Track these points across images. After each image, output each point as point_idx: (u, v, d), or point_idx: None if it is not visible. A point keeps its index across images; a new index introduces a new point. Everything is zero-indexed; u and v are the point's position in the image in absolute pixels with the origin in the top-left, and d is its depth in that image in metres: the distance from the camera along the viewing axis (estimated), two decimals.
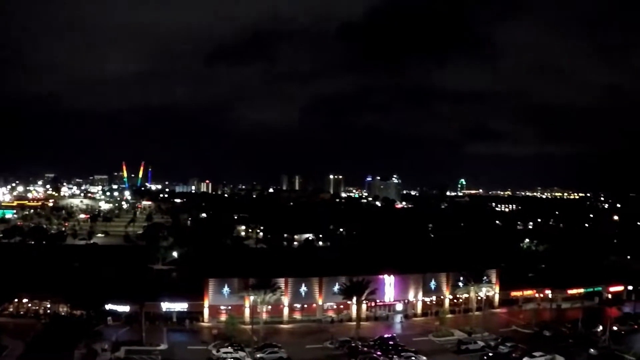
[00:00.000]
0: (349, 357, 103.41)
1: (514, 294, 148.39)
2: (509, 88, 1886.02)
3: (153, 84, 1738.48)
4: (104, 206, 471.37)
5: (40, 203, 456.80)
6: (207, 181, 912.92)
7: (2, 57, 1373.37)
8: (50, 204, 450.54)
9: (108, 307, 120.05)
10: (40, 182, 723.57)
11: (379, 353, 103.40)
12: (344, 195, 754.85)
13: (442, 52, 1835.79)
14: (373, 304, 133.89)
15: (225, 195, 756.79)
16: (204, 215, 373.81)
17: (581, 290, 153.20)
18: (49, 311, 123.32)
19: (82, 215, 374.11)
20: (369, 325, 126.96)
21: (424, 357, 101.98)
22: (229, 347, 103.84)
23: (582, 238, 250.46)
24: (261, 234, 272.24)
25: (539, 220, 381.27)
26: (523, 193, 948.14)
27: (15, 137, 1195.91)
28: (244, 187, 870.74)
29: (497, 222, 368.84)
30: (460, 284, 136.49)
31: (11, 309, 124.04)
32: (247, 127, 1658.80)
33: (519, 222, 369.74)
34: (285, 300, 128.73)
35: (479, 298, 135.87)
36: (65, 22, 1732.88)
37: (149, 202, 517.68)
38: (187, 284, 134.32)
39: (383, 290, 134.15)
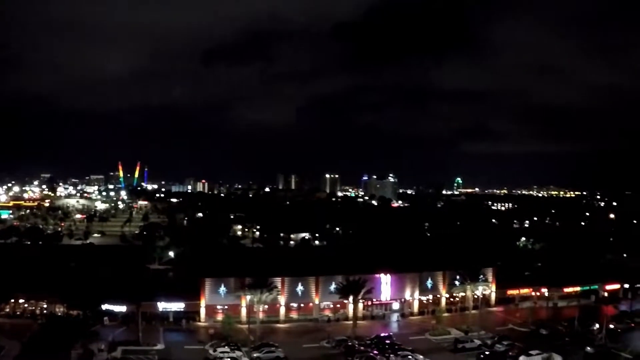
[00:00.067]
0: (346, 356, 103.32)
1: (510, 292, 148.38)
2: (505, 87, 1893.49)
3: (149, 84, 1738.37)
4: (100, 206, 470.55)
5: (36, 203, 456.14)
6: (203, 181, 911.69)
7: None
8: (47, 204, 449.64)
9: (105, 307, 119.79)
10: (36, 182, 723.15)
11: (375, 352, 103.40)
12: (340, 194, 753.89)
13: (439, 51, 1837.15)
14: (370, 303, 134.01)
15: (222, 194, 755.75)
16: (200, 214, 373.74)
17: (577, 289, 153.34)
18: (45, 311, 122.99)
19: (79, 216, 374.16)
20: (365, 324, 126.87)
21: (421, 356, 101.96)
22: (226, 347, 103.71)
23: (578, 236, 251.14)
24: (257, 233, 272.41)
25: (535, 218, 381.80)
26: (519, 192, 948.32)
27: (12, 137, 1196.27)
28: (240, 186, 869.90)
29: (494, 220, 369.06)
30: (457, 282, 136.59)
31: (7, 310, 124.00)
32: (244, 127, 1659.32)
33: (515, 221, 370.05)
34: (282, 299, 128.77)
35: (476, 297, 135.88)
36: (63, 21, 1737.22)
37: (145, 202, 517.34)
38: (184, 283, 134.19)
39: (379, 289, 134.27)
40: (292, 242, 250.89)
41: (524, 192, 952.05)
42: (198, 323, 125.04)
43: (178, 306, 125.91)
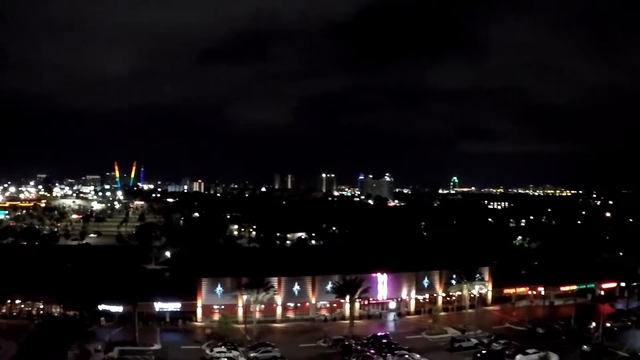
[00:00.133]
0: (343, 355, 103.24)
1: (506, 291, 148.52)
2: (502, 87, 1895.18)
3: (146, 84, 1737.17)
4: (97, 206, 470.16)
5: (32, 204, 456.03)
6: (200, 180, 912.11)
7: None
8: (43, 205, 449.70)
9: (101, 307, 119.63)
10: (32, 183, 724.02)
11: (372, 351, 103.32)
12: (336, 193, 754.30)
13: (434, 50, 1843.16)
14: (366, 302, 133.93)
15: (218, 194, 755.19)
16: (196, 214, 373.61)
17: (574, 287, 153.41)
18: (42, 312, 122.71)
19: (75, 216, 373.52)
20: (362, 324, 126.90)
21: (418, 355, 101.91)
22: (223, 347, 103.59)
23: (574, 235, 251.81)
24: (254, 233, 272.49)
25: (532, 217, 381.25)
26: (515, 190, 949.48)
27: (8, 137, 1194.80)
28: (236, 186, 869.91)
29: (490, 219, 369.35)
30: (453, 281, 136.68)
31: (4, 310, 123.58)
32: (240, 127, 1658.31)
33: (511, 220, 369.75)
34: (279, 299, 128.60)
35: (472, 296, 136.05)
36: (60, 21, 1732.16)
37: (142, 202, 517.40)
38: (180, 283, 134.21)
39: (376, 289, 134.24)
40: (288, 242, 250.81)
41: (520, 191, 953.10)
42: (195, 323, 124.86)
43: (175, 306, 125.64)
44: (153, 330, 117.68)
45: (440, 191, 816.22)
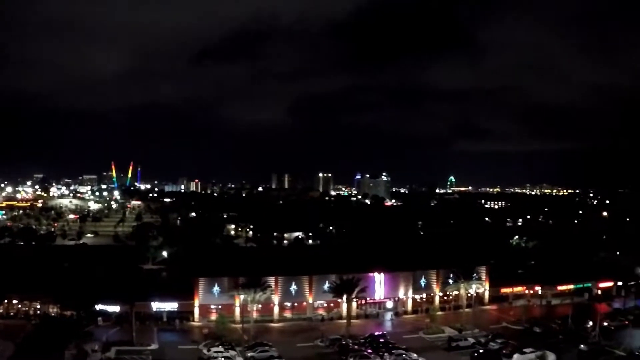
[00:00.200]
0: (340, 355, 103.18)
1: (504, 290, 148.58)
2: (500, 86, 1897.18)
3: (143, 84, 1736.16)
4: (93, 206, 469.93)
5: (29, 204, 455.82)
6: (196, 180, 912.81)
7: None
8: (39, 205, 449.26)
9: (98, 307, 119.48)
10: (29, 183, 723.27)
11: (369, 351, 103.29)
12: (333, 193, 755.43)
13: (434, 50, 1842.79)
14: (363, 301, 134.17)
15: (215, 194, 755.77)
16: (193, 214, 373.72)
17: (571, 287, 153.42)
18: (39, 312, 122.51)
19: (72, 216, 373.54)
20: (359, 323, 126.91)
21: (415, 355, 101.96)
22: (220, 347, 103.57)
23: (571, 234, 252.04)
24: (251, 232, 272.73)
25: (528, 217, 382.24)
26: (512, 190, 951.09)
27: (5, 137, 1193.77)
28: (233, 186, 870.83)
29: (487, 219, 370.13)
30: (450, 281, 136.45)
31: (1, 310, 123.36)
32: (237, 126, 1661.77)
33: (508, 219, 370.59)
34: (276, 298, 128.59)
35: (469, 295, 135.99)
36: (60, 21, 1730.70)
37: (138, 202, 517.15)
38: (177, 283, 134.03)
39: (373, 288, 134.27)
40: (285, 242, 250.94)
41: (517, 190, 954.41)
42: (192, 323, 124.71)
43: (172, 306, 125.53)
44: (150, 330, 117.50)
45: (437, 191, 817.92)
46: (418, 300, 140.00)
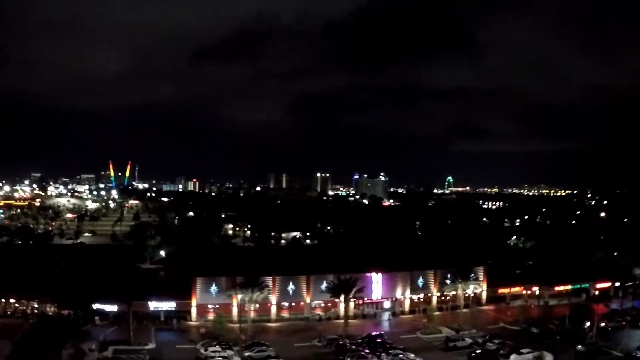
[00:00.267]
0: (337, 355, 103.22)
1: (501, 291, 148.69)
2: (499, 86, 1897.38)
3: (138, 84, 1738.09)
4: (91, 205, 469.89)
5: (27, 203, 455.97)
6: (194, 180, 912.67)
7: None
8: (37, 204, 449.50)
9: (96, 306, 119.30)
10: (26, 182, 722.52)
11: (367, 351, 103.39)
12: (331, 193, 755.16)
13: (434, 50, 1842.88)
14: (361, 301, 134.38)
15: (213, 193, 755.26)
16: (191, 214, 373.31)
17: (568, 287, 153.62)
18: (36, 311, 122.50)
19: (69, 215, 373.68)
20: (356, 323, 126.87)
21: (412, 355, 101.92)
22: (217, 346, 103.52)
23: (569, 235, 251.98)
24: (248, 232, 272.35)
25: (526, 217, 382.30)
26: (510, 190, 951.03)
27: (3, 137, 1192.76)
28: (231, 185, 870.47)
29: (484, 219, 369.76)
30: (448, 281, 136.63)
31: None
32: (235, 126, 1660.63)
33: (506, 220, 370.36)
34: (273, 298, 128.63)
35: (467, 295, 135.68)
36: (60, 21, 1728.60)
37: (136, 201, 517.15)
38: (175, 283, 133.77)
39: (371, 288, 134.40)
40: (283, 241, 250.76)
41: (515, 190, 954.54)
42: (189, 322, 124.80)
43: (169, 305, 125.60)
44: (147, 330, 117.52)
45: (435, 191, 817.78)
46: (415, 300, 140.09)
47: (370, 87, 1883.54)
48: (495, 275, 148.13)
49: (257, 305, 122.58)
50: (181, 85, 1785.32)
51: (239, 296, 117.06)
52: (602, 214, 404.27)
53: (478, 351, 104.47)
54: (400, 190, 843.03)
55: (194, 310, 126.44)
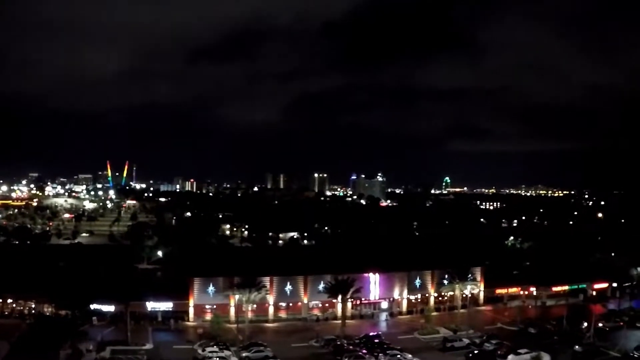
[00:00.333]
0: (335, 355, 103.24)
1: (498, 291, 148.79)
2: (498, 86, 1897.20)
3: (136, 84, 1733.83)
4: (89, 205, 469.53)
5: (24, 203, 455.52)
6: (192, 180, 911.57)
7: None
8: (35, 204, 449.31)
9: (93, 307, 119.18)
10: (24, 182, 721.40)
11: (364, 351, 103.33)
12: (328, 193, 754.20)
13: (430, 50, 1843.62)
14: (358, 302, 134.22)
15: (210, 194, 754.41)
16: (188, 214, 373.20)
17: (566, 288, 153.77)
18: (33, 311, 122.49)
19: (67, 215, 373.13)
20: (354, 324, 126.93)
21: (410, 355, 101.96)
22: (215, 346, 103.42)
23: (566, 235, 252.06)
24: (246, 232, 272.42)
25: (524, 218, 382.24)
26: (507, 191, 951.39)
27: (2, 137, 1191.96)
28: (228, 185, 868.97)
29: (482, 220, 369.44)
30: (445, 281, 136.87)
31: None
32: (233, 126, 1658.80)
33: (503, 220, 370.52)
34: (271, 299, 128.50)
35: (464, 296, 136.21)
36: (59, 21, 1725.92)
37: (134, 201, 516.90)
38: (172, 283, 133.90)
39: (368, 289, 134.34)
40: (280, 242, 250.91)
41: (512, 191, 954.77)
42: (187, 323, 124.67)
43: (167, 306, 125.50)
44: (145, 330, 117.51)
45: (432, 191, 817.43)
46: (413, 300, 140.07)
47: (369, 87, 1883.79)
48: (493, 275, 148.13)
49: (255, 306, 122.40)
50: (180, 86, 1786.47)
51: (237, 296, 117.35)
52: (600, 215, 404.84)
53: (475, 351, 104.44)
54: (397, 191, 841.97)
55: (191, 311, 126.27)
